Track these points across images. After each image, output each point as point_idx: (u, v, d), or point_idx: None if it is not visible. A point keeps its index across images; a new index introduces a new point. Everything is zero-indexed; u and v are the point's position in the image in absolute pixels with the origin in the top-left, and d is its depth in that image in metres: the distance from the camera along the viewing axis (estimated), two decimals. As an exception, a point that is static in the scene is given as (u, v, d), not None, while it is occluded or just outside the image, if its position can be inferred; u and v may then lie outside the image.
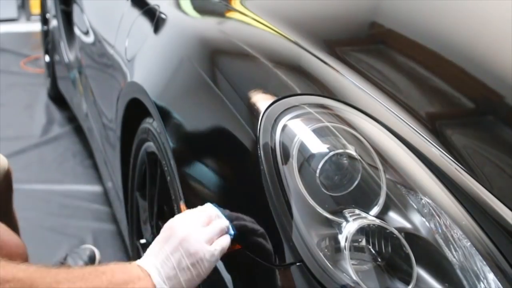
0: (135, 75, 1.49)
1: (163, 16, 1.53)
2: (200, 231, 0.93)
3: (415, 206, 0.93)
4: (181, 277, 0.92)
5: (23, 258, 1.24)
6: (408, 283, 0.87)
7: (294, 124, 0.99)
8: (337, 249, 0.90)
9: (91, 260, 1.95)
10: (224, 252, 0.95)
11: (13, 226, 1.71)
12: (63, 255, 1.98)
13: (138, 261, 0.94)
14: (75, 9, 2.73)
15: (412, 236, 0.91)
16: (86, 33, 2.38)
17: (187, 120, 1.22)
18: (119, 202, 1.87)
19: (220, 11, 1.57)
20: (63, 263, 1.90)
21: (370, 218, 0.91)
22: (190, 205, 1.09)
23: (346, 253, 0.88)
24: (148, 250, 0.96)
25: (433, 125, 1.12)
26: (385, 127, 1.04)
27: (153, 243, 0.96)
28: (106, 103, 1.92)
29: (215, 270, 1.04)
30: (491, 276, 0.89)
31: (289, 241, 0.91)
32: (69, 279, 0.86)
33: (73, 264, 1.86)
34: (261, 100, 1.06)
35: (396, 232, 0.90)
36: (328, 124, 0.99)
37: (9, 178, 1.66)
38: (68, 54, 2.92)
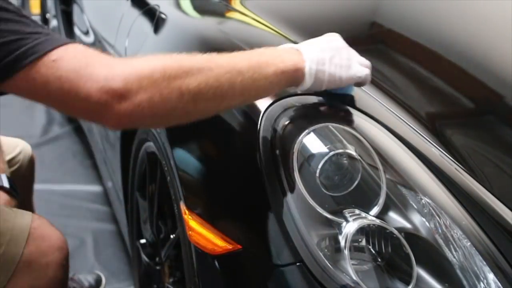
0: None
1: (163, 16, 1.53)
2: (355, 52, 1.03)
3: (415, 206, 0.93)
4: (328, 68, 0.99)
5: (64, 251, 1.26)
6: (408, 283, 0.87)
7: (294, 124, 0.99)
8: (337, 249, 0.90)
9: (97, 284, 1.96)
10: (365, 83, 1.04)
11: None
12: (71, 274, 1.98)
13: (291, 44, 1.02)
14: (75, 9, 2.74)
15: (412, 236, 0.91)
16: (86, 33, 2.38)
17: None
18: (119, 202, 1.87)
19: (220, 11, 1.57)
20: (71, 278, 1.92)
21: (370, 218, 0.91)
22: (190, 205, 1.09)
23: (346, 253, 0.88)
24: (304, 42, 1.02)
25: (433, 125, 1.12)
26: (385, 127, 1.04)
27: (310, 39, 1.03)
28: (106, 103, 1.92)
29: (215, 270, 1.05)
30: (491, 276, 0.89)
31: (289, 241, 0.91)
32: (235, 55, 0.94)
33: (78, 284, 1.88)
34: (261, 100, 1.06)
35: (396, 232, 0.90)
36: (328, 124, 0.99)
37: (32, 165, 1.71)
38: (68, 54, 2.91)
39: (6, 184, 1.36)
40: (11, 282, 1.17)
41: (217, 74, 0.89)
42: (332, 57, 1.00)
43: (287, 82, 0.98)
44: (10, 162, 1.61)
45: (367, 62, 1.05)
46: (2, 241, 1.17)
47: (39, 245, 1.21)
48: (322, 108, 1.03)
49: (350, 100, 1.08)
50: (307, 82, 0.99)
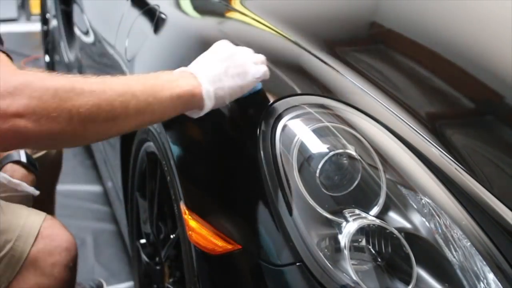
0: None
1: (163, 16, 1.53)
2: (247, 51, 1.03)
3: (415, 206, 0.93)
4: (226, 82, 0.97)
5: (71, 253, 1.26)
6: (408, 283, 0.87)
7: (294, 124, 1.00)
8: (337, 249, 0.90)
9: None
10: (265, 79, 1.03)
11: (52, 207, 1.76)
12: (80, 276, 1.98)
13: (184, 68, 0.99)
14: (75, 9, 2.73)
15: (412, 236, 0.91)
16: (86, 33, 2.38)
17: (187, 120, 1.22)
18: (119, 202, 1.87)
19: (220, 11, 1.57)
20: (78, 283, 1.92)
21: (370, 218, 0.91)
22: (190, 205, 1.10)
23: (346, 253, 0.88)
24: (194, 62, 1.00)
25: (433, 125, 1.12)
26: (385, 127, 1.04)
27: (199, 57, 1.01)
28: (106, 103, 1.92)
29: (216, 270, 1.05)
30: (491, 276, 0.89)
31: (289, 241, 0.91)
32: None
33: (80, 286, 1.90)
34: (261, 100, 1.06)
35: (396, 232, 0.90)
36: (328, 124, 0.99)
37: (60, 154, 1.73)
38: (68, 54, 2.92)
39: (23, 159, 1.38)
40: (17, 279, 1.18)
41: (109, 97, 0.86)
42: (226, 70, 0.99)
43: (184, 106, 0.96)
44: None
45: (262, 58, 1.05)
46: (10, 237, 1.18)
47: (47, 244, 1.22)
48: (322, 108, 1.03)
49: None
50: (208, 105, 0.97)
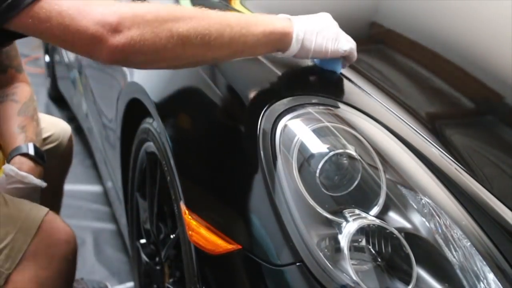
0: (135, 75, 1.49)
1: (163, 16, 1.53)
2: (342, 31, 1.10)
3: (415, 206, 0.93)
4: (316, 38, 1.06)
5: (71, 246, 1.28)
6: (408, 283, 0.87)
7: (294, 124, 1.00)
8: (337, 249, 0.90)
9: None
10: (351, 57, 1.11)
11: (59, 201, 1.78)
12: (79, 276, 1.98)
13: (285, 15, 1.09)
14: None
15: (412, 236, 0.91)
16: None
17: (187, 120, 1.22)
18: (119, 202, 1.87)
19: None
20: (78, 280, 1.93)
21: (370, 218, 0.91)
22: (190, 205, 1.10)
23: (346, 253, 0.88)
24: (299, 16, 1.08)
25: (433, 125, 1.12)
26: (385, 127, 1.04)
27: (305, 15, 1.09)
28: (106, 103, 1.92)
29: (216, 270, 1.05)
30: (491, 276, 0.89)
31: (289, 241, 0.91)
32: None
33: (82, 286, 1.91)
34: (261, 100, 1.06)
35: (396, 232, 0.90)
36: (328, 124, 0.99)
37: (71, 146, 1.75)
38: (68, 54, 2.92)
39: (31, 151, 1.41)
40: (16, 270, 1.20)
41: (207, 22, 0.96)
42: (320, 30, 1.07)
43: (274, 44, 1.04)
44: (47, 139, 1.66)
45: (353, 41, 1.11)
46: (12, 229, 1.21)
47: (47, 236, 1.24)
48: (322, 108, 1.03)
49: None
50: (294, 48, 1.05)
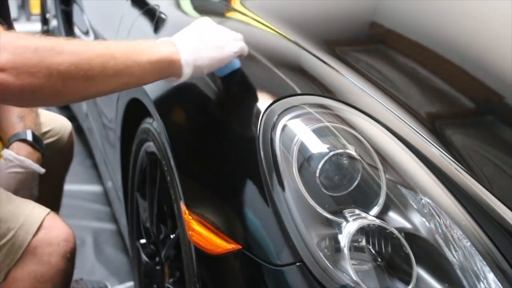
0: (135, 75, 1.49)
1: (163, 16, 1.53)
2: (225, 29, 1.08)
3: (415, 206, 0.93)
4: (205, 53, 1.02)
5: (69, 244, 1.30)
6: (408, 283, 0.87)
7: (294, 124, 1.00)
8: (337, 249, 0.90)
9: None
10: (242, 54, 1.09)
11: (59, 201, 1.86)
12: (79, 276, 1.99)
13: (165, 38, 1.03)
14: (75, 9, 2.74)
15: (412, 236, 0.91)
16: (86, 33, 2.38)
17: (187, 120, 1.22)
18: (119, 202, 1.87)
19: (220, 11, 1.57)
20: (78, 280, 1.94)
21: (370, 218, 0.91)
22: (190, 205, 1.10)
23: (346, 253, 0.88)
24: (175, 35, 1.05)
25: (433, 125, 1.12)
26: (385, 127, 1.04)
27: (181, 31, 1.05)
28: (106, 103, 1.92)
29: (215, 270, 1.05)
30: (491, 276, 0.89)
31: (289, 241, 0.91)
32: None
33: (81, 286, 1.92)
34: (261, 100, 1.06)
35: (396, 232, 0.90)
36: (328, 124, 0.99)
37: (72, 143, 1.77)
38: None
39: (29, 137, 1.44)
40: (16, 266, 1.22)
41: (88, 56, 0.91)
42: (205, 42, 1.04)
43: (162, 72, 1.01)
44: (47, 134, 1.68)
45: (239, 35, 1.10)
46: (13, 226, 1.22)
47: (46, 234, 1.25)
48: (322, 108, 1.03)
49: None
50: (186, 72, 1.02)
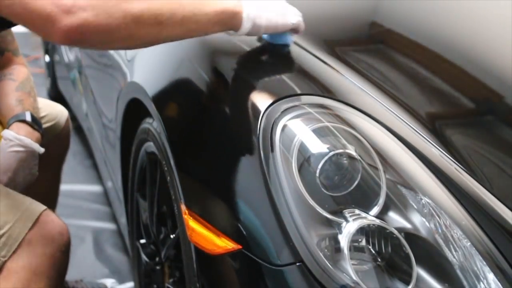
0: (135, 75, 1.49)
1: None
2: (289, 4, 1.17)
3: (415, 206, 0.93)
4: (266, 14, 1.11)
5: (64, 238, 1.33)
6: (408, 283, 0.87)
7: (294, 124, 1.00)
8: (337, 249, 0.90)
9: None
10: (300, 29, 1.18)
11: (57, 189, 1.89)
12: (79, 277, 1.99)
13: None
14: None
15: (412, 236, 0.91)
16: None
17: (187, 120, 1.22)
18: (119, 202, 1.87)
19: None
20: (78, 281, 1.94)
21: (370, 218, 0.91)
22: (190, 205, 1.10)
23: (346, 253, 0.88)
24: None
25: (433, 125, 1.12)
26: (385, 127, 1.04)
27: None
28: (106, 103, 1.92)
29: (216, 270, 1.05)
30: (491, 276, 0.89)
31: (289, 241, 0.91)
32: None
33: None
34: (261, 100, 1.06)
35: (396, 232, 0.90)
36: (328, 124, 0.99)
37: (68, 130, 1.87)
38: (68, 54, 2.92)
39: (28, 118, 1.48)
40: (12, 257, 1.24)
41: (159, 2, 1.01)
42: (268, 6, 1.12)
43: (226, 22, 1.09)
44: (44, 118, 1.71)
45: (299, 12, 1.18)
46: (11, 219, 1.25)
47: (42, 227, 1.28)
48: (322, 108, 1.04)
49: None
50: (245, 27, 1.10)
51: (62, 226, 1.33)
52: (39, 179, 1.51)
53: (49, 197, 1.85)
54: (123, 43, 1.03)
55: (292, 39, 1.20)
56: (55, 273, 1.30)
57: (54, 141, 1.75)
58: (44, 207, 1.32)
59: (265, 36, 1.20)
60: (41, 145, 1.49)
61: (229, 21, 1.09)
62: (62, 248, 1.31)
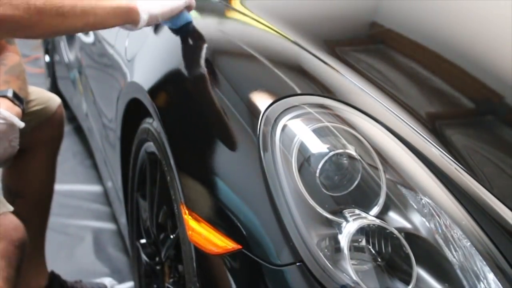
0: (135, 75, 1.49)
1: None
2: None
3: (415, 206, 0.93)
4: (158, 2, 1.24)
5: (19, 234, 1.40)
6: (408, 283, 0.87)
7: (294, 124, 1.00)
8: (337, 249, 0.90)
9: None
10: (191, 5, 1.32)
11: (52, 180, 1.92)
12: (79, 277, 1.99)
13: None
14: None
15: (412, 236, 0.91)
16: (86, 33, 2.38)
17: (187, 120, 1.22)
18: (119, 202, 1.87)
19: (220, 11, 1.57)
20: (77, 281, 1.94)
21: (370, 218, 0.91)
22: (190, 205, 1.10)
23: (346, 253, 0.88)
24: None
25: (433, 125, 1.12)
26: (385, 127, 1.04)
27: None
28: (106, 103, 1.92)
29: (216, 270, 1.05)
30: (491, 276, 0.89)
31: (289, 241, 0.91)
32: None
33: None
34: (261, 100, 1.06)
35: (396, 232, 0.90)
36: (328, 124, 0.99)
37: (61, 117, 1.90)
38: (68, 54, 2.92)
39: (10, 94, 1.53)
40: None
41: None
42: None
43: (122, 17, 1.21)
44: (33, 102, 1.76)
45: None
46: None
47: None
48: (322, 108, 1.04)
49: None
50: (143, 18, 1.22)
51: (16, 223, 1.41)
52: (33, 163, 1.59)
53: (44, 188, 1.86)
54: (26, 33, 1.12)
55: (190, 16, 1.32)
56: (7, 264, 1.37)
57: (46, 123, 1.80)
58: (4, 209, 1.40)
59: (166, 23, 1.32)
60: (32, 126, 1.54)
61: (126, 15, 1.21)
62: (16, 243, 1.39)
